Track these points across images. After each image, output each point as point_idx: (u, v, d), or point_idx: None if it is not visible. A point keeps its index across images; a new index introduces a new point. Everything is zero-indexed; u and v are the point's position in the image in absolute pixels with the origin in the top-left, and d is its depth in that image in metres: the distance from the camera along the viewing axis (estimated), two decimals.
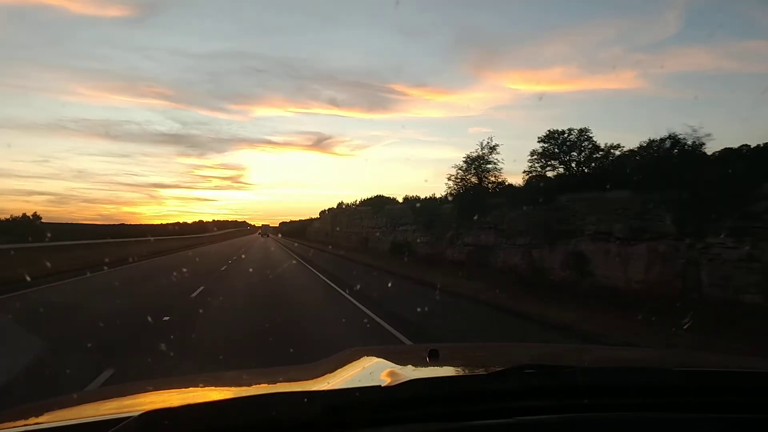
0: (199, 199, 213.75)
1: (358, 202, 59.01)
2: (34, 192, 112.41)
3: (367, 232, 42.54)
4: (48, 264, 16.61)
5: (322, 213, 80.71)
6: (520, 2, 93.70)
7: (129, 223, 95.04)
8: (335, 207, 68.35)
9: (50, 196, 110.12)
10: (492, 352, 2.70)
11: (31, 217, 47.76)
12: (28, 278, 14.34)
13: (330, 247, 47.14)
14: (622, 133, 62.16)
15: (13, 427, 1.37)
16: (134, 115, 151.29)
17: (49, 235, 24.69)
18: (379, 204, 44.11)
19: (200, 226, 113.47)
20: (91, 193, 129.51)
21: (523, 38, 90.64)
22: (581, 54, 67.86)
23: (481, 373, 1.79)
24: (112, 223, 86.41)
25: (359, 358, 2.15)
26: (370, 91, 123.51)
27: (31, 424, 1.43)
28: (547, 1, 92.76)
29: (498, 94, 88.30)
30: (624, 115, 62.26)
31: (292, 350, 7.23)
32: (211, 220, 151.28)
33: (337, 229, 55.20)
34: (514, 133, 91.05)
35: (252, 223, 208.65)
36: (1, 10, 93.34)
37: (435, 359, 1.92)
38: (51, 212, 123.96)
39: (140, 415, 1.20)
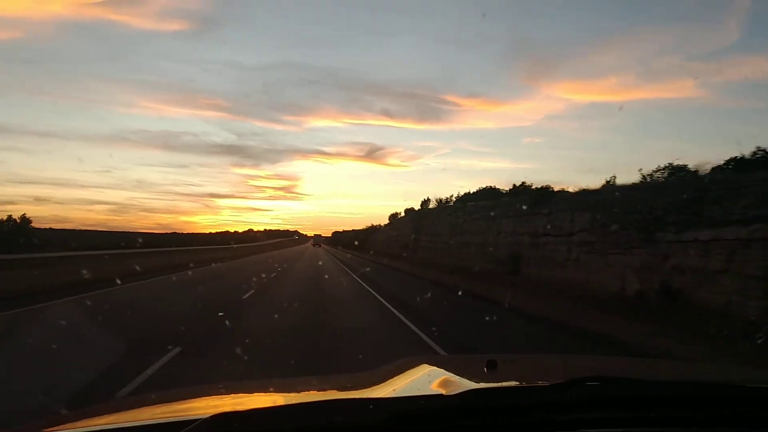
0: (253, 208, 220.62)
1: (454, 198, 43.13)
2: (97, 201, 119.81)
3: (516, 241, 22.97)
4: (138, 267, 18.92)
5: (394, 217, 67.53)
6: (574, 11, 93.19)
7: (183, 232, 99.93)
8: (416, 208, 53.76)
9: (111, 206, 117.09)
10: (552, 364, 2.71)
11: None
12: (119, 281, 16.59)
13: (426, 270, 27.36)
14: (682, 143, 60.81)
15: (88, 426, 1.49)
16: (191, 127, 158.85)
17: (140, 240, 27.11)
18: (539, 196, 23.11)
19: (249, 235, 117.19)
20: (150, 203, 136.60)
21: (577, 47, 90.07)
22: (637, 62, 67.17)
23: (543, 384, 1.78)
24: (166, 231, 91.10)
25: (416, 367, 2.20)
26: (423, 102, 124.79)
27: (103, 425, 1.51)
28: (601, 9, 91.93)
29: (552, 104, 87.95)
30: (683, 124, 61.04)
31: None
32: (262, 229, 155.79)
33: (425, 237, 39.63)
34: (567, 143, 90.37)
35: (304, 233, 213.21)
36: (69, 27, 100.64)
37: (493, 370, 1.92)
38: (112, 221, 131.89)
39: (211, 417, 1.26)
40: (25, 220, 42.02)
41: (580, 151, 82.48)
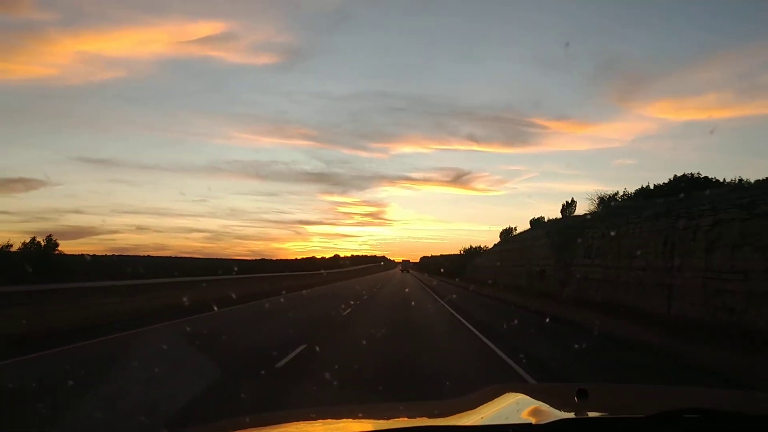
0: (341, 235, 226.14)
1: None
2: (194, 230, 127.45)
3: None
4: (233, 294, 19.77)
5: (507, 234, 56.25)
6: (666, 28, 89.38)
7: (273, 258, 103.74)
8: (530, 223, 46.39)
9: (207, 233, 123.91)
10: (646, 395, 2.61)
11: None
12: (215, 307, 17.41)
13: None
14: None
15: None
16: (281, 156, 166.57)
17: (236, 268, 28.56)
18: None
19: (335, 261, 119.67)
20: (243, 230, 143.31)
21: (671, 65, 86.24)
22: (738, 78, 62.75)
23: (637, 415, 1.72)
24: (257, 258, 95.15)
25: (504, 394, 2.19)
26: (509, 126, 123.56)
27: None
28: (697, 25, 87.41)
29: (643, 124, 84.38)
30: None
31: None
32: (349, 255, 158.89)
33: (584, 262, 24.94)
34: (661, 164, 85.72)
35: (391, 258, 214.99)
36: (169, 65, 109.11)
37: (584, 399, 1.87)
38: (207, 248, 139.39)
39: None
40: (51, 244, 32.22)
41: (675, 171, 77.90)
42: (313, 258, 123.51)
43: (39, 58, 79.50)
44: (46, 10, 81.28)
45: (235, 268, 29.52)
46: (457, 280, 56.16)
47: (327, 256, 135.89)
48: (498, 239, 60.12)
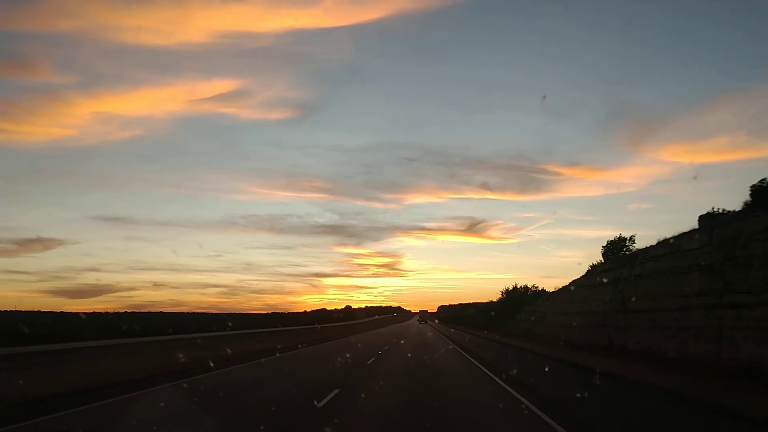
0: (357, 286, 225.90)
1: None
2: (209, 285, 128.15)
3: None
4: (228, 350, 19.97)
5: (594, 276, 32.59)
6: (675, 71, 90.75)
7: (285, 311, 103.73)
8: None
9: (223, 288, 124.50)
10: None
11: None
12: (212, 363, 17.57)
13: None
14: None
15: None
16: (296, 209, 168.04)
17: (230, 324, 28.78)
18: None
19: (347, 313, 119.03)
20: (258, 284, 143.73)
21: (681, 108, 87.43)
22: (750, 120, 63.20)
23: None
24: (268, 312, 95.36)
25: None
26: (522, 173, 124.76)
27: None
28: (707, 68, 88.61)
29: (657, 168, 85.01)
30: None
31: None
32: (363, 306, 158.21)
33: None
34: (678, 207, 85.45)
35: (408, 309, 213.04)
36: (183, 122, 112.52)
37: None
38: (223, 303, 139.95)
39: None
40: None
41: (692, 215, 77.59)
42: (324, 310, 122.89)
43: (58, 119, 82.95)
44: (65, 73, 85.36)
45: (229, 324, 29.58)
46: (486, 332, 49.54)
47: (339, 308, 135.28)
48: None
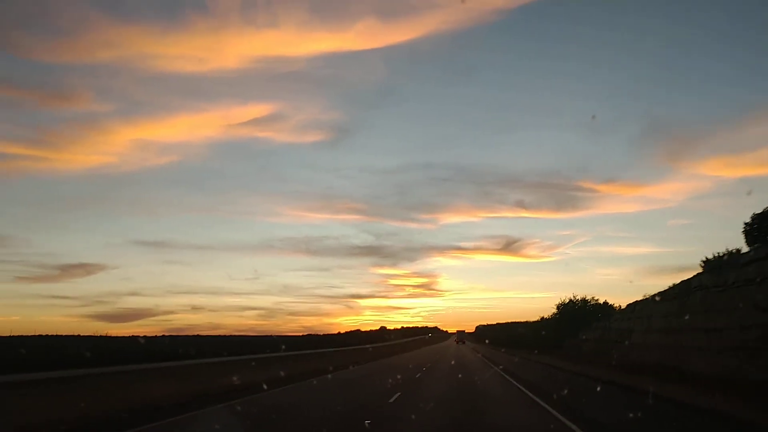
0: (393, 307, 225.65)
1: None
2: (247, 307, 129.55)
3: None
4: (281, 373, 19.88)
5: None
6: (712, 85, 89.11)
7: (323, 333, 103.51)
8: None
9: (260, 311, 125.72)
10: None
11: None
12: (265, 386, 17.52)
13: None
14: None
15: None
16: (331, 231, 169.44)
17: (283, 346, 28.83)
18: None
19: (381, 334, 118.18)
20: (295, 306, 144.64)
21: (721, 122, 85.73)
22: None
23: None
24: (304, 334, 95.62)
25: None
26: (558, 191, 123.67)
27: None
28: (747, 79, 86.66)
29: (696, 183, 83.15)
30: None
31: None
32: (399, 327, 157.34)
33: None
34: (719, 223, 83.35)
35: (444, 329, 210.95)
36: (220, 147, 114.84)
37: None
38: (261, 326, 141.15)
39: None
40: None
41: (734, 230, 75.29)
42: (358, 331, 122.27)
43: (97, 147, 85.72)
44: (104, 102, 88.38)
45: (283, 346, 29.64)
46: (558, 360, 36.62)
47: (374, 329, 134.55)
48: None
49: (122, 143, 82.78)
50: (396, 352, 61.88)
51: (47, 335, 60.83)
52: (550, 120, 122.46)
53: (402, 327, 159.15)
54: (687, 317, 22.23)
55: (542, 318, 61.34)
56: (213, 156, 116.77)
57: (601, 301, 50.62)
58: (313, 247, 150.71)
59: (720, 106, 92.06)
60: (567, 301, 53.56)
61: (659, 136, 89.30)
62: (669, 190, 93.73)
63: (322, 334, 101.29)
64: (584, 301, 51.95)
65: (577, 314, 49.53)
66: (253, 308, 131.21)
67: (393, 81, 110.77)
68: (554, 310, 55.26)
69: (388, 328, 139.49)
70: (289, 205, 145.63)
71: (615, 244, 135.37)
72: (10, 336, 56.73)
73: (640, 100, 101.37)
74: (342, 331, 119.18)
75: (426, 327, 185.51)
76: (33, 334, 61.51)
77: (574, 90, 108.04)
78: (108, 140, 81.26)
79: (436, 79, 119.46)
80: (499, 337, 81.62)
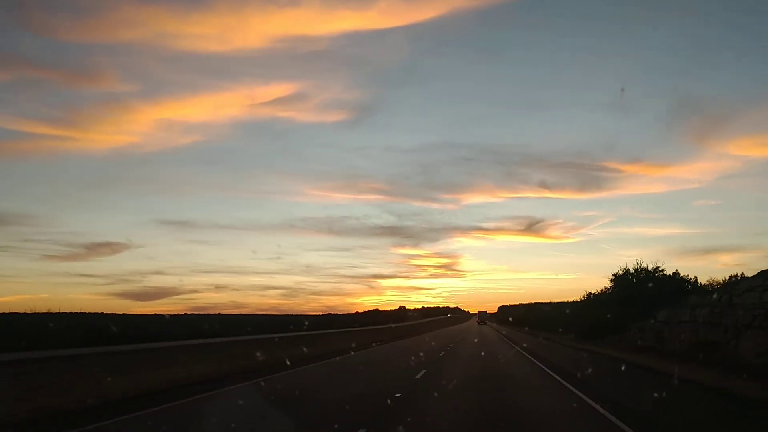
0: (415, 287, 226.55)
1: None
2: (269, 287, 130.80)
3: None
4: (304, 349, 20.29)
5: None
6: (742, 63, 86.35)
7: (339, 313, 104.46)
8: None
9: (282, 290, 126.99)
10: None
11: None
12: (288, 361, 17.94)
13: None
14: None
15: None
16: (354, 211, 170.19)
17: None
18: None
19: (400, 314, 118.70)
20: (317, 286, 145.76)
21: (752, 100, 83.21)
22: None
23: None
24: (323, 313, 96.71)
25: None
26: (582, 171, 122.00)
27: None
28: None
29: (725, 162, 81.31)
30: None
31: None
32: (420, 306, 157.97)
33: None
34: (747, 203, 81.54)
35: (466, 309, 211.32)
36: (243, 127, 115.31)
37: None
38: (283, 305, 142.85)
39: None
40: None
41: (765, 210, 73.71)
42: (377, 311, 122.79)
43: (122, 127, 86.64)
44: (129, 81, 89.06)
45: (306, 323, 30.16)
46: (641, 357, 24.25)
47: (393, 309, 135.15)
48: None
49: (146, 123, 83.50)
50: (417, 333, 61.25)
51: (77, 313, 62.54)
52: (576, 98, 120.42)
53: (423, 307, 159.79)
54: None
55: (590, 294, 47.12)
56: (236, 136, 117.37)
57: (669, 271, 36.44)
58: (335, 227, 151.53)
59: (751, 84, 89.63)
60: (625, 271, 38.11)
61: (687, 114, 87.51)
62: (696, 170, 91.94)
63: (342, 313, 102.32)
64: (657, 270, 36.58)
65: (644, 290, 34.72)
66: (275, 288, 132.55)
67: (416, 59, 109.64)
68: (607, 284, 40.71)
69: (407, 308, 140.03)
70: (311, 184, 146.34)
71: (640, 225, 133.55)
72: (47, 313, 58.64)
73: (669, 78, 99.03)
74: (360, 311, 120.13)
75: (447, 307, 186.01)
76: (61, 311, 63.30)
77: (601, 67, 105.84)
78: (132, 120, 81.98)
79: (461, 57, 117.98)
80: (524, 318, 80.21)
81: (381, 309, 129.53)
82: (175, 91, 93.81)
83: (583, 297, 50.10)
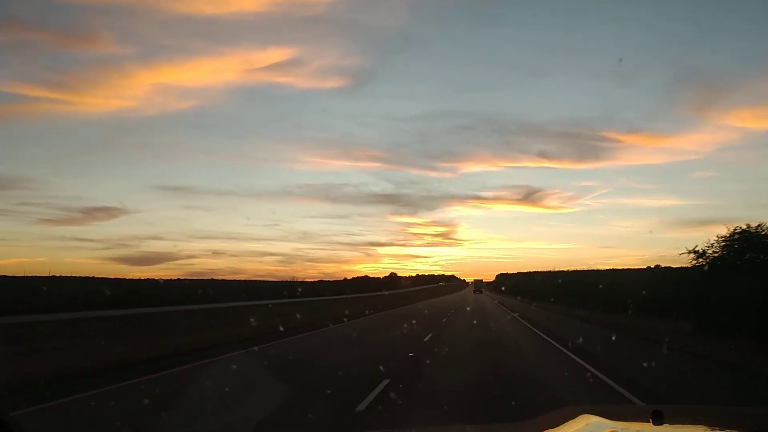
0: (412, 255, 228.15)
1: None
2: (266, 253, 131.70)
3: None
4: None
5: None
6: (744, 33, 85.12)
7: (332, 280, 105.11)
8: None
9: (279, 257, 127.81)
10: (727, 417, 2.46)
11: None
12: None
13: None
14: None
15: None
16: (351, 179, 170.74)
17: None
18: None
19: (392, 281, 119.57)
20: (314, 253, 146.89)
21: (753, 71, 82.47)
22: None
23: None
24: (318, 280, 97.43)
25: (577, 417, 2.12)
26: (580, 141, 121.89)
27: None
28: None
29: (724, 134, 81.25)
30: None
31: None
32: (414, 274, 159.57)
33: None
34: (745, 176, 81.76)
35: (462, 278, 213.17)
36: (240, 92, 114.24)
37: (659, 421, 1.84)
38: (280, 271, 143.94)
39: None
40: None
41: (763, 184, 73.96)
42: (366, 277, 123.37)
43: (119, 91, 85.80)
44: (124, 44, 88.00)
45: (299, 289, 30.53)
46: None
47: (383, 276, 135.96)
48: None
49: (142, 87, 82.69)
50: (411, 301, 59.03)
51: (73, 276, 63.14)
52: (577, 66, 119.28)
53: (417, 275, 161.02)
54: None
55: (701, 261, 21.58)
56: (233, 101, 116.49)
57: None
58: (332, 195, 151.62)
59: (752, 55, 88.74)
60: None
61: (688, 84, 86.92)
62: (695, 142, 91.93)
63: (332, 280, 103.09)
64: None
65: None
66: (272, 254, 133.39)
67: (415, 25, 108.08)
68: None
69: (399, 275, 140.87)
70: (308, 151, 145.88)
71: (637, 196, 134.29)
72: (49, 276, 59.41)
73: (671, 47, 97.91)
74: (348, 278, 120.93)
75: (442, 275, 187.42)
76: (59, 275, 63.92)
77: (603, 35, 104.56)
78: (128, 84, 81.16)
79: (460, 22, 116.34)
80: (524, 287, 76.39)
81: (371, 276, 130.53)
82: (172, 54, 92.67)
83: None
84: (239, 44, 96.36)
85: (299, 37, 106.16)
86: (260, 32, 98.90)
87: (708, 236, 22.28)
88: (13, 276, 56.00)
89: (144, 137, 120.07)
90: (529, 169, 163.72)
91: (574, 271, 61.40)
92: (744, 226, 20.33)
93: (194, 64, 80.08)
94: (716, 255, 20.03)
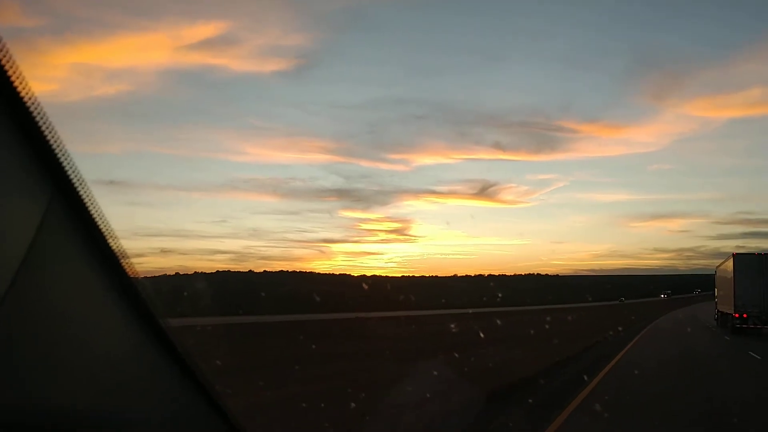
0: (366, 252, 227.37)
1: None
2: (217, 251, 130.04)
3: None
4: None
5: None
6: (706, 18, 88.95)
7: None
8: None
9: (231, 255, 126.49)
10: None
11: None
12: None
13: None
14: None
15: None
16: (299, 172, 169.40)
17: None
18: None
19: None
20: (267, 251, 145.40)
21: (711, 58, 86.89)
22: None
23: None
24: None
25: None
26: (537, 131, 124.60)
27: None
28: (741, 12, 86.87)
29: (681, 125, 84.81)
30: None
31: None
32: (373, 274, 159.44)
33: None
34: (703, 169, 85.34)
35: (419, 275, 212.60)
36: (172, 75, 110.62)
37: None
38: (233, 269, 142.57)
39: None
40: None
41: (720, 177, 77.20)
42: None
43: (34, 71, 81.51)
44: (34, 15, 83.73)
45: None
46: None
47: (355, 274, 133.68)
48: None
49: (62, 67, 78.49)
50: None
51: None
52: (534, 50, 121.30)
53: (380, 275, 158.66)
54: None
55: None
56: (164, 85, 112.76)
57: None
58: (280, 189, 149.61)
59: (710, 41, 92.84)
60: None
61: (647, 70, 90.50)
62: (653, 133, 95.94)
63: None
64: None
65: None
66: (223, 252, 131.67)
67: (366, 3, 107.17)
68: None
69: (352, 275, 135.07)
70: (250, 142, 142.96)
71: (593, 190, 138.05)
72: None
73: (630, 30, 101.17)
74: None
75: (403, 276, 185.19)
76: None
77: (560, 18, 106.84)
78: (44, 63, 76.91)
79: (413, 3, 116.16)
80: None
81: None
82: (90, 29, 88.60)
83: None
84: (165, 17, 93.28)
85: (232, 10, 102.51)
86: (188, 3, 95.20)
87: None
88: None
89: (69, 125, 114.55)
90: (484, 161, 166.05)
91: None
92: None
93: (117, 41, 76.61)
94: None
